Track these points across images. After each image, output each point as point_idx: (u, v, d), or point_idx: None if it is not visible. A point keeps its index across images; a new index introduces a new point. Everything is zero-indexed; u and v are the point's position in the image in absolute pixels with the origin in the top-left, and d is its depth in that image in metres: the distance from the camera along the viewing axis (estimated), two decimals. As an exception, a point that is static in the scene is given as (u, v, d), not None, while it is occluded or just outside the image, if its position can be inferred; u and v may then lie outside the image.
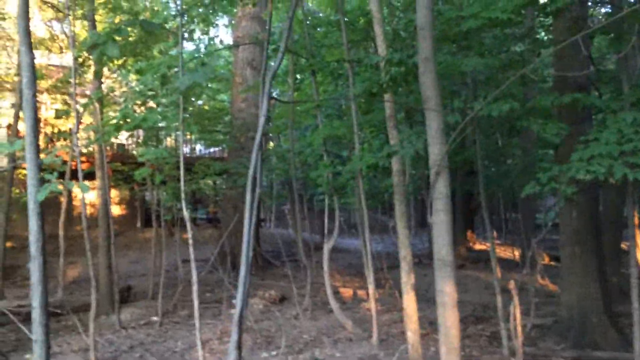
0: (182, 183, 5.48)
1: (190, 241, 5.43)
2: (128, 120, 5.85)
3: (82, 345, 7.10)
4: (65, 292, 10.94)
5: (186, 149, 19.32)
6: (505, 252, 16.66)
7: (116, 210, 18.34)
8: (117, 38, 3.83)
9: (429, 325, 8.01)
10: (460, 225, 15.89)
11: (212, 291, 11.58)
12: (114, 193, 18.25)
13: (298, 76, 13.70)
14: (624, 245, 11.77)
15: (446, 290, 3.77)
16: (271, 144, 21.45)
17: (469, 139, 11.39)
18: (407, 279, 5.54)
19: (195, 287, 5.40)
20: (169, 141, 14.84)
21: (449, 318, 3.78)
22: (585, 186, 5.56)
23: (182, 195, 5.51)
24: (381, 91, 5.15)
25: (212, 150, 18.08)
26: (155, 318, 8.77)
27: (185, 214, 5.39)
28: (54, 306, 9.14)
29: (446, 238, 3.75)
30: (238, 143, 13.63)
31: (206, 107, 14.90)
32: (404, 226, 5.60)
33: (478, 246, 17.22)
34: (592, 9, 9.27)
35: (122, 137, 16.70)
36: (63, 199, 11.44)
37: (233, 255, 13.36)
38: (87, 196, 17.33)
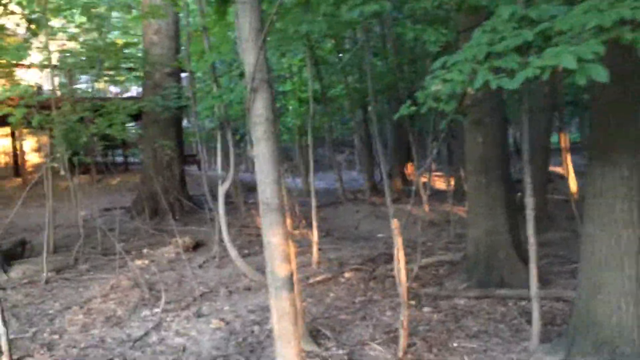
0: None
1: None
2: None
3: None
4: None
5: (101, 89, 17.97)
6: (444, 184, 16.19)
7: (36, 158, 17.08)
8: None
9: (339, 267, 7.43)
10: (398, 156, 15.24)
11: (127, 240, 10.75)
12: (32, 140, 17.02)
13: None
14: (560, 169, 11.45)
15: (273, 242, 2.98)
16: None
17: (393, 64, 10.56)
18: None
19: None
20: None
21: (279, 272, 3.01)
22: (475, 102, 4.79)
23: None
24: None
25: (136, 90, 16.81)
26: (44, 275, 7.93)
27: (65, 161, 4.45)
28: None
29: (270, 175, 2.94)
30: (152, 80, 12.47)
31: (119, 42, 13.45)
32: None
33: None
34: None
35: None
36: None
37: (154, 201, 12.49)
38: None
